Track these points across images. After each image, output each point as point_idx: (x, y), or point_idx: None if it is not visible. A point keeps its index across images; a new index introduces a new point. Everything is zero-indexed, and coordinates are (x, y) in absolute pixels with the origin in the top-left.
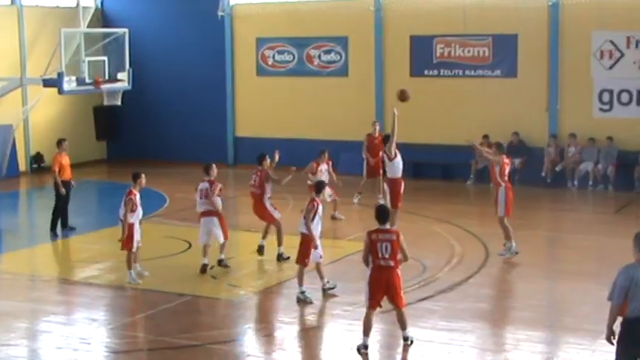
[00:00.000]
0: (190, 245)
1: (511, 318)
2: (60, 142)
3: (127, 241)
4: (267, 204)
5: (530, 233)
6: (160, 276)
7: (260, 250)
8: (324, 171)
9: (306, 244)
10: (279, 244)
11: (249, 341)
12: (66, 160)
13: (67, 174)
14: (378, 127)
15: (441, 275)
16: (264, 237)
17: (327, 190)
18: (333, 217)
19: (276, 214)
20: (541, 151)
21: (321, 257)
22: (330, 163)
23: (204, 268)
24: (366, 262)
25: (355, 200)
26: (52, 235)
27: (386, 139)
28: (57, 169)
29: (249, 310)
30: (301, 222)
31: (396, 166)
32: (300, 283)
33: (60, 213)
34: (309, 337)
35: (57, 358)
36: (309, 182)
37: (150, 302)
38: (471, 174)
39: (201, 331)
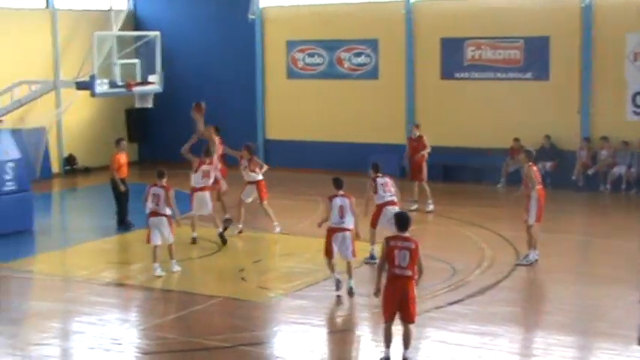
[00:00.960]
0: (220, 247)
1: (542, 322)
2: (118, 142)
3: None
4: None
5: (562, 237)
6: (191, 278)
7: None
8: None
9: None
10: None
11: (279, 343)
12: (123, 159)
13: (124, 172)
14: (418, 130)
15: (472, 279)
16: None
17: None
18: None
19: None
20: (573, 155)
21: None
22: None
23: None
24: (380, 270)
25: (413, 207)
26: (121, 229)
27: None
28: (116, 167)
29: (280, 313)
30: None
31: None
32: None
33: (119, 209)
34: (339, 339)
35: (89, 358)
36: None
37: (181, 304)
38: (501, 177)
39: (232, 332)
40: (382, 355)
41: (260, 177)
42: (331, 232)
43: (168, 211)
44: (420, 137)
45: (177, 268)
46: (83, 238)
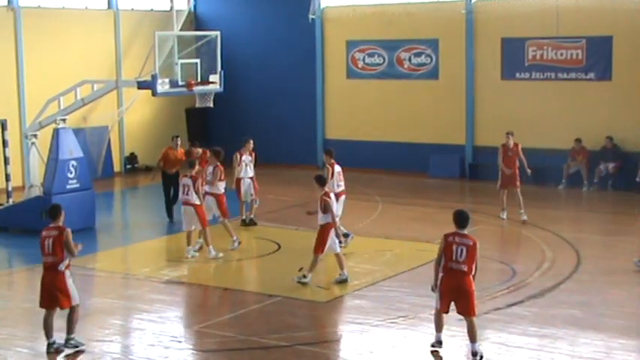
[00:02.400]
0: (280, 246)
1: (603, 325)
2: (172, 138)
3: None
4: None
5: (624, 239)
6: (250, 276)
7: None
8: (247, 162)
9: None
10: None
11: (338, 343)
12: (174, 155)
13: (170, 167)
14: (512, 138)
15: (532, 280)
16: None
17: (246, 186)
18: (245, 222)
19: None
20: (636, 156)
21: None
22: (254, 154)
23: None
24: (437, 266)
25: (504, 216)
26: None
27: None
28: (161, 161)
29: (339, 312)
30: (319, 215)
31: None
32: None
33: (166, 202)
34: (398, 339)
35: (149, 355)
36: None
37: (239, 302)
38: (562, 178)
39: (290, 331)
40: (433, 339)
41: (222, 190)
42: (330, 227)
43: (197, 201)
44: (517, 145)
45: (213, 253)
46: (144, 236)
